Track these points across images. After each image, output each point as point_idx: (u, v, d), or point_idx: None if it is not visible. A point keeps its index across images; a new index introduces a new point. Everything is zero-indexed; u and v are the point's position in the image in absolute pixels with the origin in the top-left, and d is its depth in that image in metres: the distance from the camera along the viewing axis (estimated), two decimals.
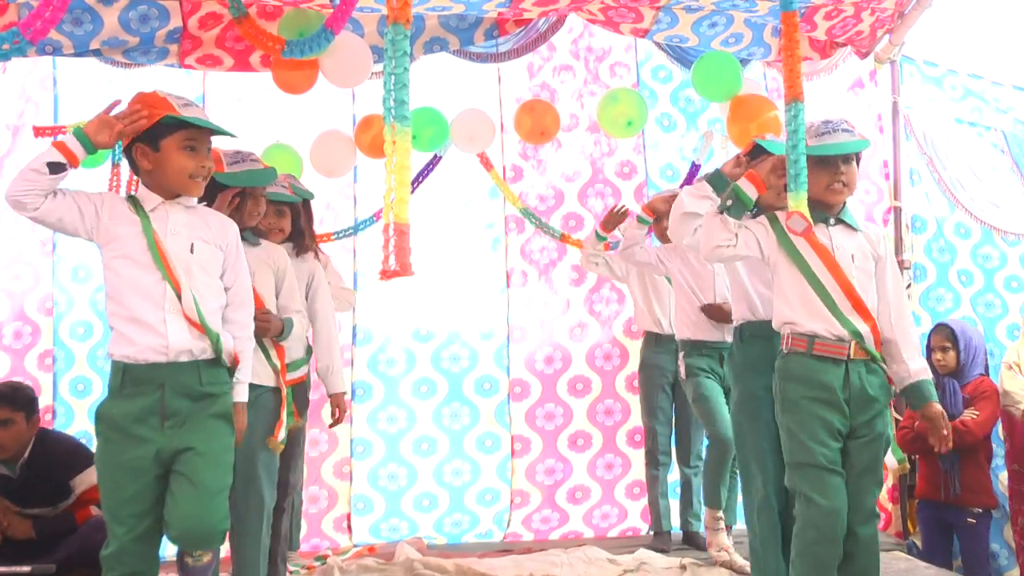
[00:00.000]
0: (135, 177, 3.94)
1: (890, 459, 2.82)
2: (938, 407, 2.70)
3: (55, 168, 2.30)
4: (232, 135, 2.53)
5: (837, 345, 2.64)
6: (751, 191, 2.72)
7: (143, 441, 2.34)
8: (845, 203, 2.77)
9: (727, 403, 3.70)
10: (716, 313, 3.83)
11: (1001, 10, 5.61)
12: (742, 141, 4.03)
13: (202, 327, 2.40)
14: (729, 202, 2.73)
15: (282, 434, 2.96)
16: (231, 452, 2.48)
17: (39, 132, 4.24)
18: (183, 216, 2.46)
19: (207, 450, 2.39)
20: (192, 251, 2.43)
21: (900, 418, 4.05)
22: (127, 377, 2.36)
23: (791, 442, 2.68)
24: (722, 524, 3.77)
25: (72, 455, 3.49)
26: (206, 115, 2.49)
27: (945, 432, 2.69)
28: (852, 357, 2.64)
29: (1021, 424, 4.08)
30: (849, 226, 2.75)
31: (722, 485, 3.80)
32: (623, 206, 4.26)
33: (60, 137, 2.39)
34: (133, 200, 2.45)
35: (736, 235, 2.73)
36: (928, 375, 2.74)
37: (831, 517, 2.60)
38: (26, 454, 3.47)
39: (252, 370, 2.82)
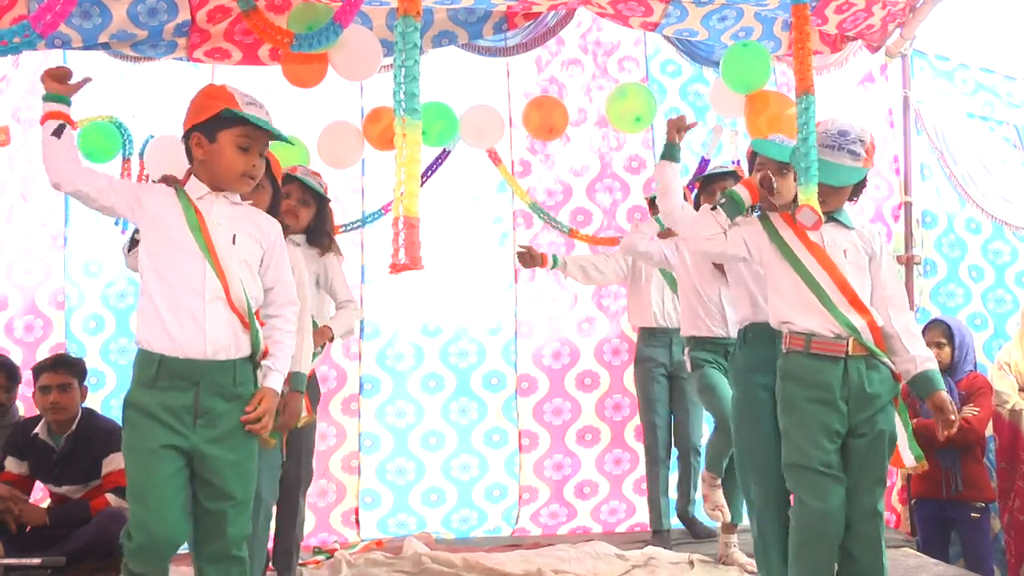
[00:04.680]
0: (145, 172, 3.98)
1: (908, 457, 2.78)
2: (946, 395, 2.67)
3: (58, 133, 2.42)
4: (290, 142, 2.54)
5: (834, 343, 2.63)
6: (745, 196, 2.77)
7: (173, 431, 2.32)
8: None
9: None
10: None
11: (1013, 4, 5.57)
12: (756, 136, 4.00)
13: (246, 319, 2.39)
14: (723, 200, 2.78)
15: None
16: (256, 459, 2.47)
17: None
18: (227, 209, 2.45)
19: (237, 460, 2.38)
20: (234, 243, 2.42)
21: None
22: (162, 369, 2.33)
23: (788, 443, 2.69)
24: (718, 482, 3.73)
25: (111, 435, 3.54)
26: (270, 117, 2.47)
27: (953, 418, 2.65)
28: (851, 354, 2.63)
29: (1008, 423, 4.09)
30: (842, 224, 2.75)
31: (723, 458, 3.74)
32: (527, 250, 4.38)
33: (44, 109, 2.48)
34: (179, 191, 2.45)
35: (724, 231, 2.77)
36: (934, 364, 2.70)
37: (824, 519, 2.60)
38: (73, 427, 3.57)
39: None
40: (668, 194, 3.16)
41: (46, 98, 2.47)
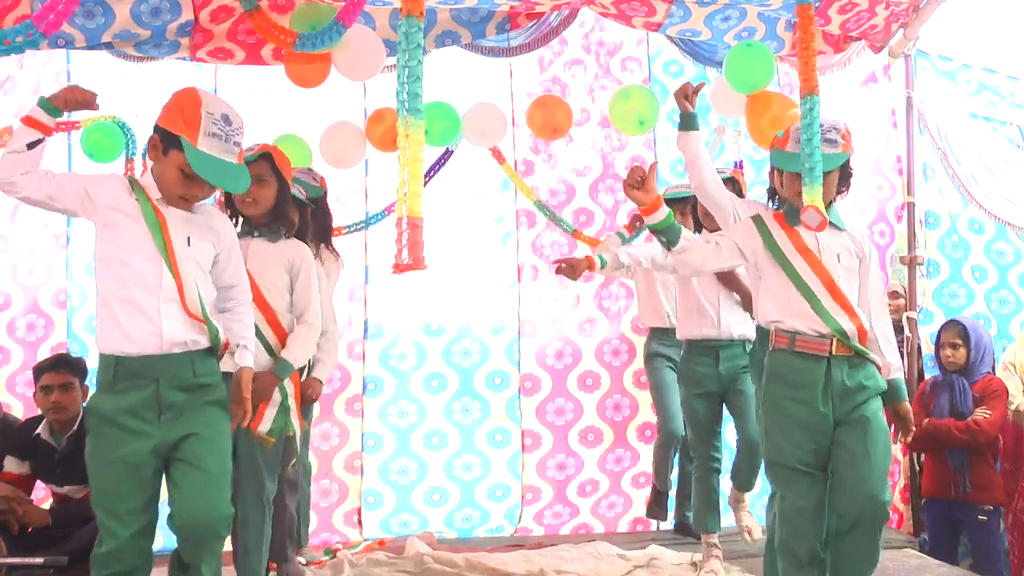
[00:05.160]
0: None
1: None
2: (908, 406, 2.79)
3: (32, 145, 2.33)
4: (235, 190, 2.49)
5: (818, 342, 2.67)
6: (656, 217, 2.75)
7: (140, 435, 2.31)
8: (832, 203, 2.78)
9: (739, 391, 3.69)
10: (728, 277, 3.67)
11: (1016, 5, 5.57)
12: (758, 136, 4.01)
13: (204, 319, 2.39)
14: (664, 239, 2.79)
15: (265, 425, 2.92)
16: (229, 438, 2.48)
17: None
18: (181, 212, 2.43)
19: (207, 435, 2.38)
20: (188, 244, 2.41)
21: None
22: (120, 371, 2.32)
23: (768, 441, 2.76)
24: (716, 552, 3.72)
25: None
26: (233, 146, 2.38)
27: (912, 429, 2.80)
28: (834, 353, 2.66)
29: (1012, 423, 4.09)
30: (835, 226, 2.76)
31: (709, 507, 3.75)
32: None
33: (26, 112, 2.39)
34: (135, 185, 2.43)
35: (717, 244, 2.79)
36: (900, 373, 2.80)
37: (799, 513, 2.66)
38: (75, 427, 3.57)
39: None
40: (695, 166, 3.13)
41: (43, 103, 2.37)
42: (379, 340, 4.84)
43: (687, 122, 3.18)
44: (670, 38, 4.39)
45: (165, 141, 2.38)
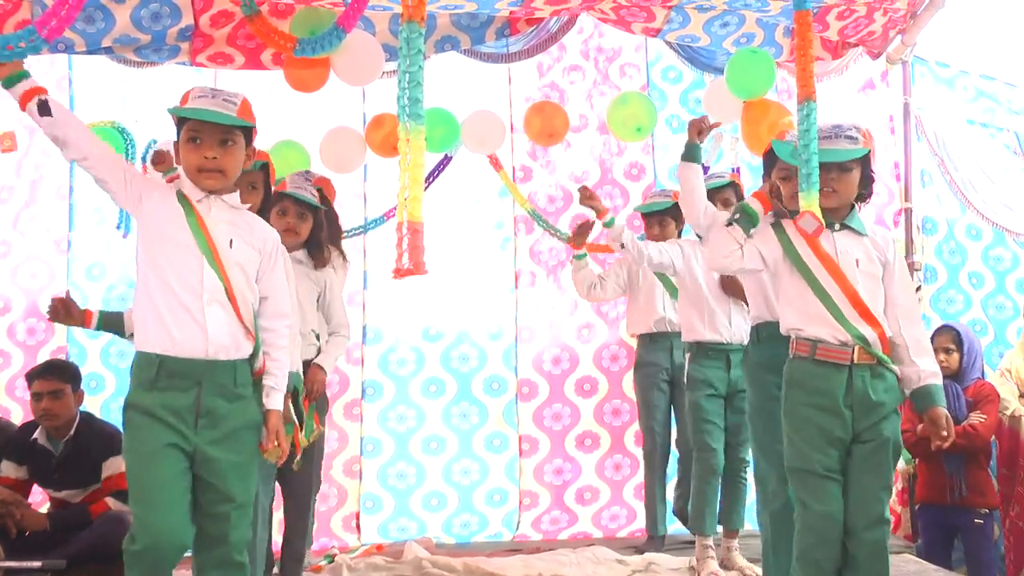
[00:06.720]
0: (147, 177, 4.00)
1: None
2: (944, 411, 2.68)
3: (42, 109, 2.38)
4: (246, 124, 2.45)
5: (839, 350, 2.63)
6: (758, 207, 2.78)
7: (176, 432, 2.31)
8: (853, 208, 2.76)
9: (742, 401, 3.68)
10: (733, 286, 3.68)
11: (1014, 11, 5.59)
12: (753, 144, 4.02)
13: (248, 324, 2.38)
14: (736, 215, 2.78)
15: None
16: (255, 461, 2.46)
17: None
18: (225, 213, 2.44)
19: (238, 462, 2.38)
20: (231, 246, 2.41)
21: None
22: (163, 370, 2.31)
23: (790, 448, 2.71)
24: (711, 552, 3.71)
25: (111, 439, 3.49)
26: (223, 102, 2.41)
27: (945, 433, 2.68)
28: (856, 362, 2.63)
29: (1008, 429, 4.11)
30: (855, 231, 2.74)
31: (707, 509, 3.73)
32: (587, 221, 4.13)
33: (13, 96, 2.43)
34: (180, 194, 2.45)
35: (741, 247, 2.76)
36: (938, 379, 2.71)
37: (826, 521, 2.62)
38: (71, 432, 3.55)
39: None
40: (691, 200, 3.16)
41: (6, 84, 2.41)
42: (378, 345, 4.85)
43: (690, 153, 3.20)
44: (669, 44, 4.41)
45: (176, 133, 2.46)
